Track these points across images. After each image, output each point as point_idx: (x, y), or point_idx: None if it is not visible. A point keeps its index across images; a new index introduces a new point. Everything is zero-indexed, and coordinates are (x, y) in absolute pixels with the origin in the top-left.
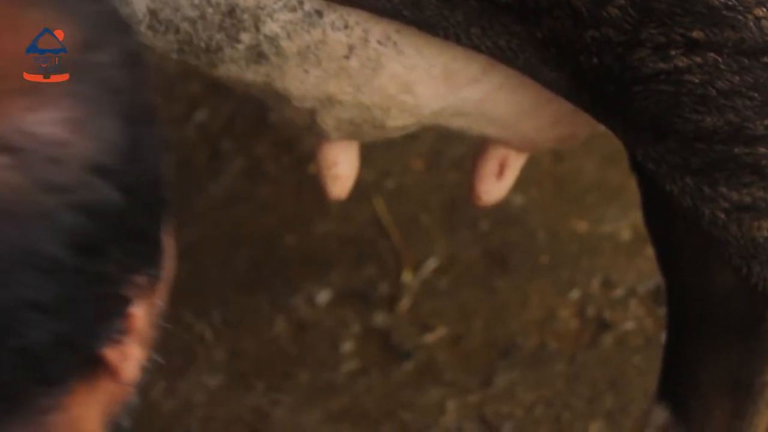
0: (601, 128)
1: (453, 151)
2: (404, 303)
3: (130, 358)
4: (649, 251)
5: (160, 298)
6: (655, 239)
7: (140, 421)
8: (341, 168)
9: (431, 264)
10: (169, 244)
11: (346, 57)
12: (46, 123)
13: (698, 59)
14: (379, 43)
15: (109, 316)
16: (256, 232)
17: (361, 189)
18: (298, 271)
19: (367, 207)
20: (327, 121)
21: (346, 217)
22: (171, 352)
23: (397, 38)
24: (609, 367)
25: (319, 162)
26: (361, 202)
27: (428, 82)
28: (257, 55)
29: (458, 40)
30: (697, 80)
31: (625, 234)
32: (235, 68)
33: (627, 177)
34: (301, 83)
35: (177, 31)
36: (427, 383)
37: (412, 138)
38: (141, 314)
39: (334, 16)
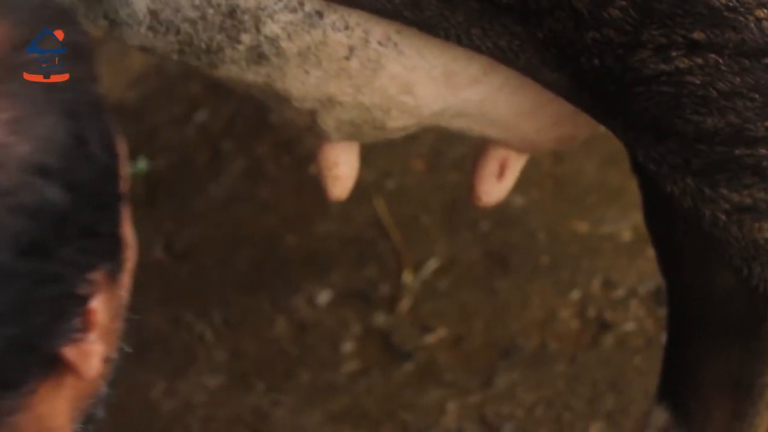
0: (602, 129)
1: (453, 152)
2: (405, 303)
3: (91, 354)
4: (650, 252)
5: (123, 290)
6: (656, 240)
7: (140, 422)
8: (342, 169)
9: (432, 265)
10: (129, 234)
11: (347, 58)
12: None
13: (699, 60)
14: (380, 43)
15: (65, 315)
16: (256, 233)
17: (361, 189)
18: (298, 271)
19: (368, 207)
20: (327, 121)
21: (347, 218)
22: (171, 353)
23: (398, 39)
24: (609, 367)
25: (320, 163)
26: (361, 203)
27: (429, 83)
28: (258, 56)
29: (459, 41)
30: (698, 81)
31: (626, 235)
32: (235, 69)
33: (627, 178)
34: (301, 84)
35: (177, 31)
36: (427, 384)
37: (412, 139)
38: (101, 309)
39: (334, 16)
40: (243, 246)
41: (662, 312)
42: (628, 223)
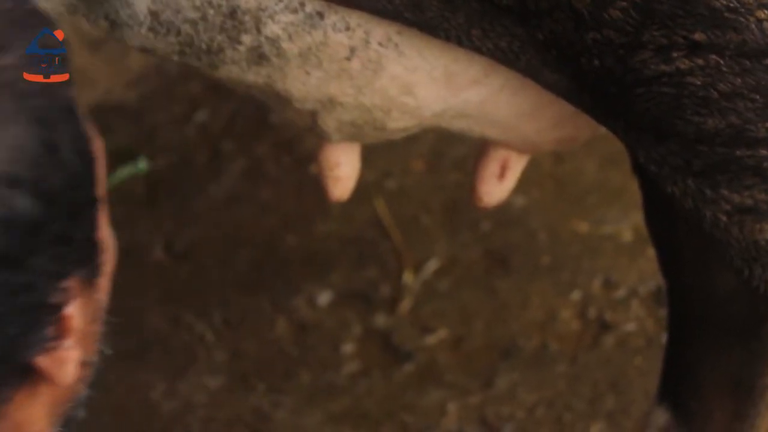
0: (603, 130)
1: (454, 152)
2: (405, 304)
3: (66, 361)
4: (650, 252)
5: (101, 293)
6: (657, 241)
7: (140, 422)
8: (343, 169)
9: (432, 265)
10: (107, 237)
11: (348, 58)
12: None
13: (700, 61)
14: (381, 44)
15: (38, 325)
16: (257, 233)
17: (362, 190)
18: (299, 271)
19: (368, 208)
20: (328, 122)
21: (347, 218)
22: (172, 353)
23: (399, 40)
24: (610, 368)
25: (321, 163)
26: (362, 203)
27: (429, 83)
28: (258, 57)
29: (459, 42)
30: (698, 82)
31: (626, 235)
32: (236, 70)
33: (628, 178)
34: (302, 85)
35: (178, 32)
36: (428, 385)
37: (412, 139)
38: (77, 314)
39: (335, 17)
40: (243, 246)
41: (663, 312)
42: (628, 223)
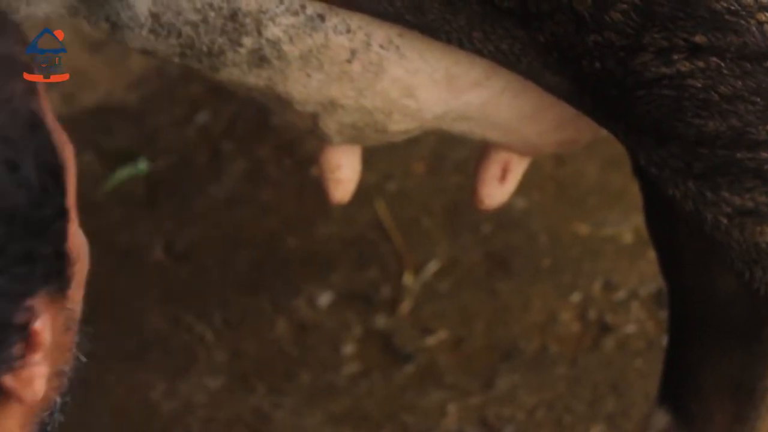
0: (603, 132)
1: (454, 155)
2: (405, 305)
3: (33, 378)
4: (651, 254)
5: (72, 303)
6: (657, 243)
7: (141, 422)
8: (344, 172)
9: (432, 267)
10: (78, 244)
11: (349, 61)
12: None
13: (701, 64)
14: (382, 47)
15: (3, 346)
16: (257, 234)
17: (362, 192)
18: (299, 272)
19: (369, 210)
20: (329, 125)
21: (348, 220)
22: (172, 353)
23: (400, 42)
24: (610, 370)
25: (322, 166)
26: (362, 205)
27: (430, 86)
28: (259, 59)
29: (460, 45)
30: (699, 85)
31: (627, 237)
32: (237, 72)
33: (628, 180)
34: (303, 87)
35: (179, 35)
36: (428, 386)
37: (413, 141)
38: (45, 329)
39: (336, 20)
40: (244, 247)
41: (663, 314)
42: (629, 225)
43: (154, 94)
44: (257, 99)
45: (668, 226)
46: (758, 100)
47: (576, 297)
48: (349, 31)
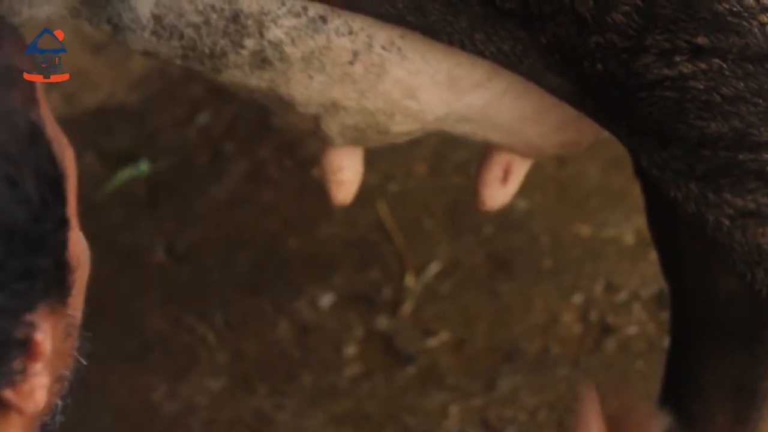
0: (605, 133)
1: (456, 156)
2: (407, 307)
3: (34, 389)
4: (653, 256)
5: (73, 309)
6: (659, 244)
7: (142, 424)
8: (346, 173)
9: (434, 268)
10: (78, 250)
11: (351, 62)
12: None
13: (703, 65)
14: (384, 48)
15: (3, 361)
16: (258, 235)
17: (364, 193)
18: (301, 274)
19: (371, 211)
20: (331, 126)
21: (350, 221)
22: (173, 355)
23: (401, 44)
24: (612, 371)
25: (324, 167)
26: (364, 206)
27: (432, 87)
28: (261, 61)
29: (462, 46)
30: (701, 86)
31: (629, 238)
32: (239, 74)
33: (630, 182)
34: (305, 89)
35: (181, 36)
36: (430, 387)
37: (415, 142)
38: (45, 338)
39: (338, 21)
40: (245, 248)
41: (665, 316)
42: (630, 226)
43: (155, 94)
44: (259, 101)
45: (670, 228)
46: (760, 101)
47: (577, 298)
48: (351, 32)
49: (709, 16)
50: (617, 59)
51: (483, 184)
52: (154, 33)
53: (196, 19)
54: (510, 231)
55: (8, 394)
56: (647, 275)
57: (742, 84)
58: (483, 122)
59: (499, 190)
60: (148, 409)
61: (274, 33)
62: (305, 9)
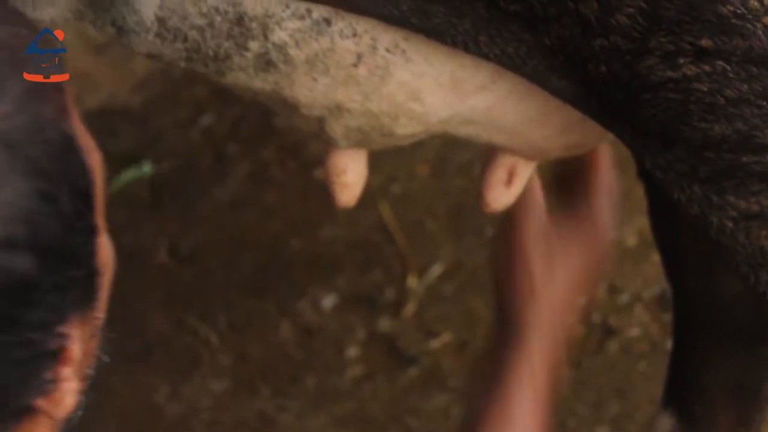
0: (609, 136)
1: (459, 157)
2: (410, 308)
3: (65, 395)
4: (655, 257)
5: (98, 312)
6: (662, 246)
7: (145, 425)
8: (350, 176)
9: (437, 269)
10: (105, 253)
11: (355, 65)
12: None
13: (707, 67)
14: (388, 50)
15: (36, 372)
16: (261, 237)
17: (367, 194)
18: (303, 275)
19: (373, 212)
20: (335, 129)
21: (352, 222)
22: (176, 356)
23: (406, 46)
24: (614, 373)
25: (328, 170)
26: (367, 208)
27: (436, 90)
28: (265, 64)
29: (466, 48)
30: (705, 88)
31: (631, 240)
32: (243, 76)
33: (632, 183)
34: (309, 91)
35: (185, 39)
36: (432, 389)
37: (418, 144)
38: (76, 345)
39: (342, 24)
40: (248, 249)
41: (667, 317)
42: (633, 228)
43: (158, 96)
44: (262, 102)
45: (673, 230)
46: (764, 103)
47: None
48: (355, 35)
49: (713, 18)
50: (621, 61)
51: (487, 187)
52: (158, 35)
53: (200, 21)
54: None
55: (40, 402)
56: (650, 277)
57: (745, 86)
58: (487, 124)
59: (503, 193)
60: (150, 411)
61: (279, 35)
62: (309, 11)
